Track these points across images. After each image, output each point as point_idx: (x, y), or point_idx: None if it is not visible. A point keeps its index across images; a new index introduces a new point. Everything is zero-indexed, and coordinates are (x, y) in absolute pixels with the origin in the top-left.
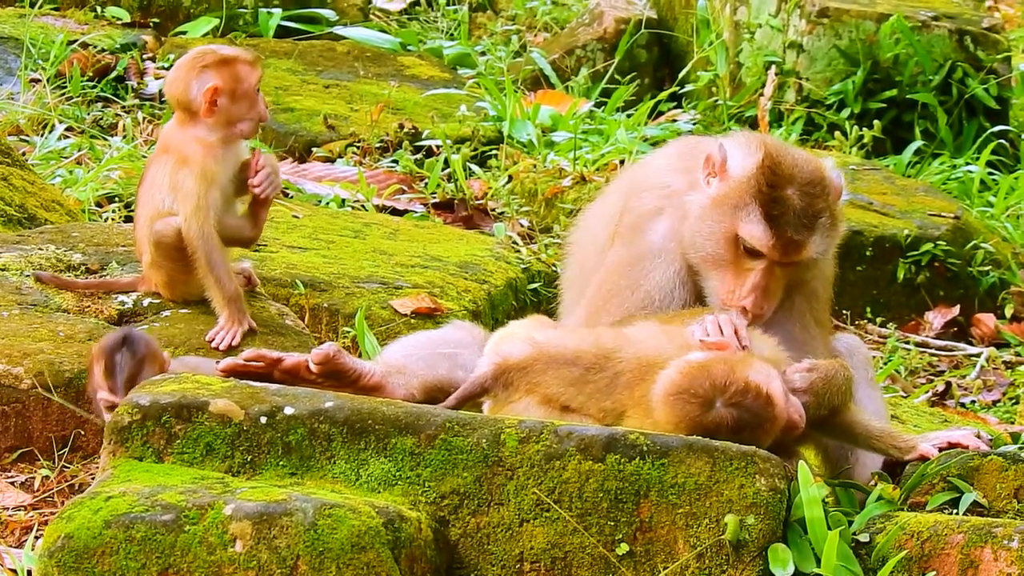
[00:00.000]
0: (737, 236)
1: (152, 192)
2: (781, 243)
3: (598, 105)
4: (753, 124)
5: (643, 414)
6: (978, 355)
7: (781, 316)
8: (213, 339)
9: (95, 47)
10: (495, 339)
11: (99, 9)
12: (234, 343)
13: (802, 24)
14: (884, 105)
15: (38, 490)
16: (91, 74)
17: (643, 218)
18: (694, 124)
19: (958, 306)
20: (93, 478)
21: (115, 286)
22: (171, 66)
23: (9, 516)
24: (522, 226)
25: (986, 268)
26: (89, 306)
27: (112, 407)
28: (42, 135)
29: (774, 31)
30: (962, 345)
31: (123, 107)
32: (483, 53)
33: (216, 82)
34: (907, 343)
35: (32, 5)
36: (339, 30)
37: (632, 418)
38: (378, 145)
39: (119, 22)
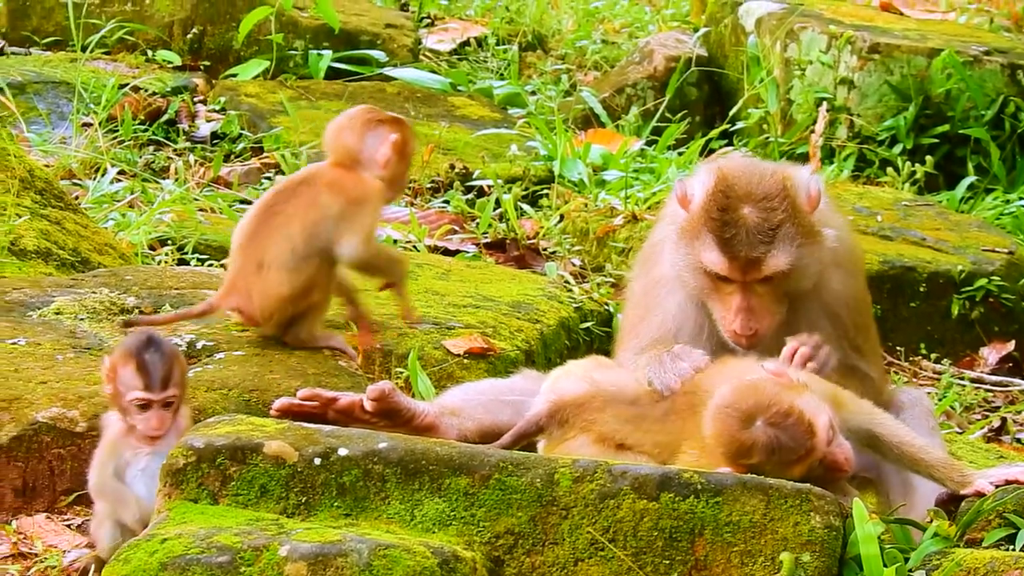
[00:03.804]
0: (703, 266)
1: (305, 221)
2: (739, 264)
3: (649, 143)
4: (804, 161)
5: (698, 447)
6: None
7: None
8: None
9: (146, 91)
10: (552, 378)
11: (150, 53)
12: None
13: (853, 60)
14: (936, 140)
15: (94, 531)
16: (142, 117)
17: (654, 248)
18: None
19: (1013, 341)
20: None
21: (191, 314)
22: (222, 109)
23: (67, 559)
24: (574, 265)
25: None
26: None
27: (147, 405)
28: (94, 179)
29: (825, 67)
30: (1017, 381)
31: (174, 150)
32: (533, 92)
33: (396, 137)
34: (962, 379)
35: (84, 49)
36: (389, 71)
37: (686, 453)
38: (429, 185)
39: (170, 66)
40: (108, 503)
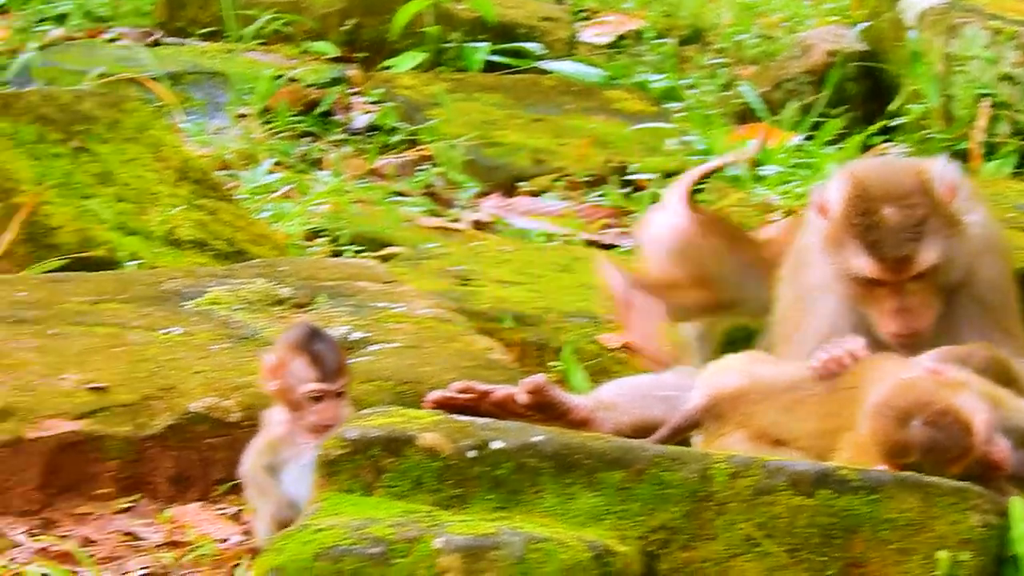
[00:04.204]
0: (852, 272)
1: None
2: (888, 265)
3: (807, 138)
4: (965, 157)
5: (854, 441)
6: None
7: (958, 333)
8: None
9: (302, 82)
10: (708, 372)
11: (306, 44)
12: None
13: (1016, 56)
14: None
15: (247, 522)
16: (298, 109)
17: (800, 254)
18: (904, 158)
19: None
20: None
21: None
22: (378, 101)
23: (220, 548)
24: None
25: None
26: None
27: (320, 396)
28: (249, 169)
29: (987, 63)
30: None
31: (330, 141)
32: (691, 86)
33: None
34: None
35: (239, 40)
36: (545, 64)
37: (843, 450)
38: (585, 179)
39: (325, 57)
40: (253, 492)
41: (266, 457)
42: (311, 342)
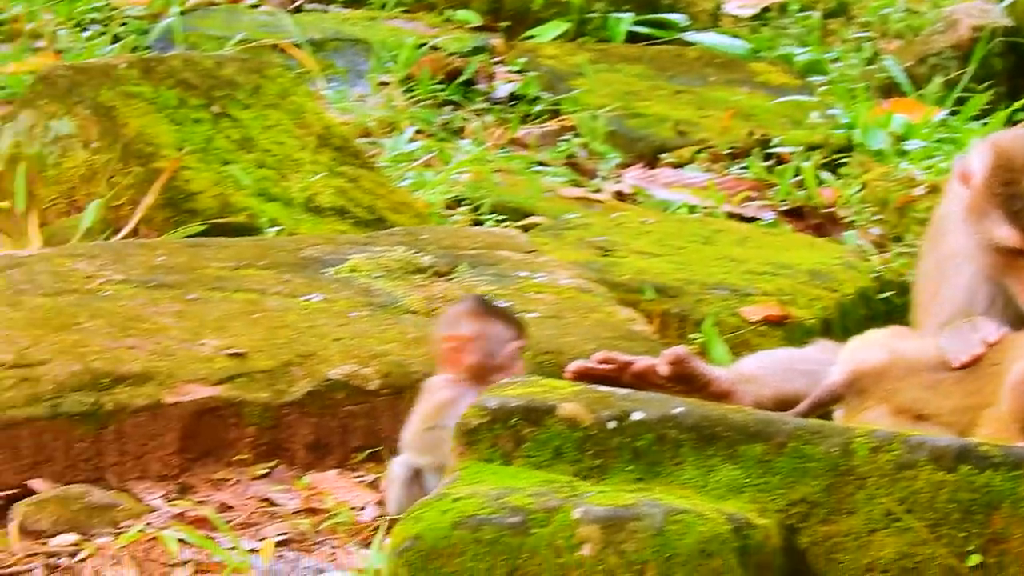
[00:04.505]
0: (994, 242)
1: None
2: None
3: (952, 114)
4: None
5: (996, 417)
6: None
7: None
8: None
9: (444, 50)
10: (850, 346)
11: (449, 12)
12: None
13: None
14: None
15: (384, 490)
16: (440, 77)
17: (940, 224)
18: None
19: None
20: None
21: None
22: (521, 70)
23: (358, 516)
24: (873, 235)
25: None
26: (438, 308)
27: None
28: (391, 137)
29: None
30: None
31: (472, 110)
32: (835, 60)
33: None
34: None
35: (382, 8)
36: (689, 35)
37: (984, 426)
38: (728, 151)
39: (468, 26)
40: (424, 452)
41: (431, 421)
42: (491, 306)
